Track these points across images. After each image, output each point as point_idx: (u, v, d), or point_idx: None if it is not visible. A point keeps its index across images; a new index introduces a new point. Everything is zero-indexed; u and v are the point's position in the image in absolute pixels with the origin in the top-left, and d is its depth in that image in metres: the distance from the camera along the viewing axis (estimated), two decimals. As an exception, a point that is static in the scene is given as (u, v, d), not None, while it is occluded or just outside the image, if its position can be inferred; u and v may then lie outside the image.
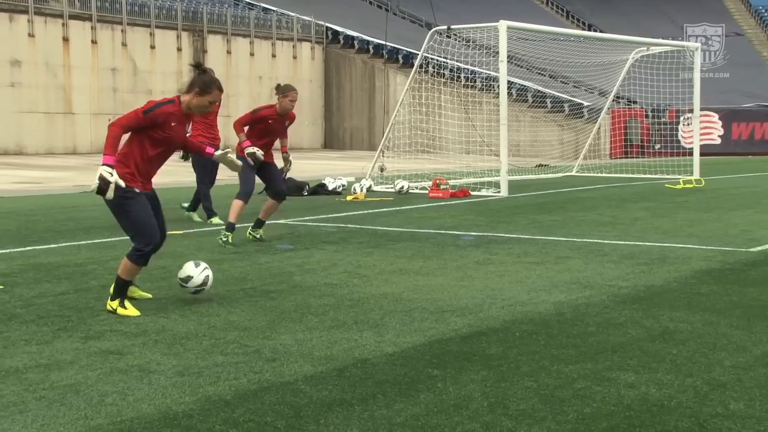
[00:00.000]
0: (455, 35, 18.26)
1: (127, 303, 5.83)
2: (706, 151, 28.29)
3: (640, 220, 11.44)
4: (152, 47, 34.30)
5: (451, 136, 23.33)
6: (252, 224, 9.60)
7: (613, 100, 26.95)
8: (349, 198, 15.05)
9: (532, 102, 34.49)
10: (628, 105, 34.96)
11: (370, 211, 13.03)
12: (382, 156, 18.88)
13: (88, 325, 5.50)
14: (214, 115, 10.98)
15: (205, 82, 6.01)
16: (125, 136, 5.83)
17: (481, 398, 4.00)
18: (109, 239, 9.55)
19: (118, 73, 33.36)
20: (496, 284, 6.87)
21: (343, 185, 16.62)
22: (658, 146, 33.72)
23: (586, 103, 32.96)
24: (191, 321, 5.64)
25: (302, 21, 39.30)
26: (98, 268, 7.70)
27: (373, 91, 38.53)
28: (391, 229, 10.69)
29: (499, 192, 15.95)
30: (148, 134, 5.82)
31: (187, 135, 9.99)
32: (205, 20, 35.79)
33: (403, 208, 13.59)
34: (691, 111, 23.37)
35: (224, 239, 9.16)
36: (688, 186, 17.45)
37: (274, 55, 38.01)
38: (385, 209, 13.31)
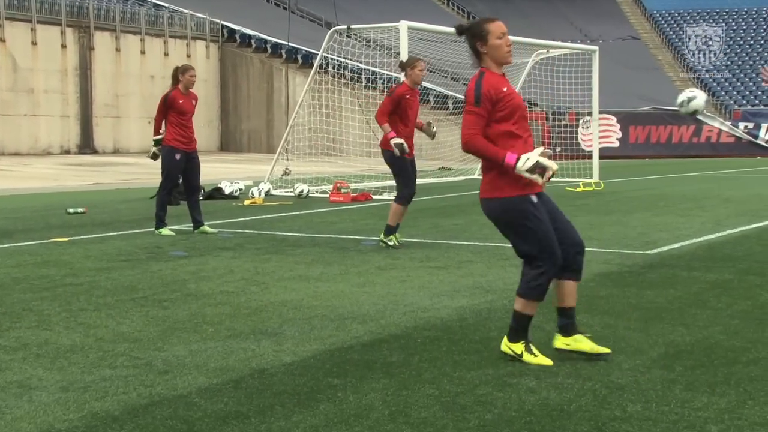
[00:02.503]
0: (356, 35, 18.32)
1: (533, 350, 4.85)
2: (604, 154, 29.16)
3: (541, 223, 11.69)
4: (34, 43, 33.23)
5: (352, 138, 23.39)
6: (383, 232, 9.31)
7: (514, 103, 27.51)
8: (246, 202, 14.90)
9: (434, 104, 34.91)
10: (529, 107, 35.74)
11: (268, 215, 12.93)
12: (286, 159, 18.78)
13: (-36, 340, 5.28)
14: (190, 116, 10.53)
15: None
16: None
17: (382, 407, 4.01)
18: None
19: (-4, 70, 32.21)
20: (398, 290, 6.91)
21: (241, 189, 16.45)
22: (558, 149, 34.53)
23: (488, 106, 33.55)
24: (77, 333, 5.47)
25: (196, 18, 38.76)
26: (-24, 278, 7.39)
27: (271, 92, 38.30)
28: (291, 234, 10.63)
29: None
30: None
31: (160, 136, 10.31)
32: (91, 15, 34.87)
33: (303, 212, 13.54)
34: (589, 114, 24.07)
35: (389, 243, 9.10)
36: (587, 189, 17.95)
37: (166, 54, 37.34)
38: (284, 214, 13.23)
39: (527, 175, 4.63)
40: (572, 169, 21.89)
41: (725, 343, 5.19)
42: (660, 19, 56.21)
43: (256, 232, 10.88)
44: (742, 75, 50.39)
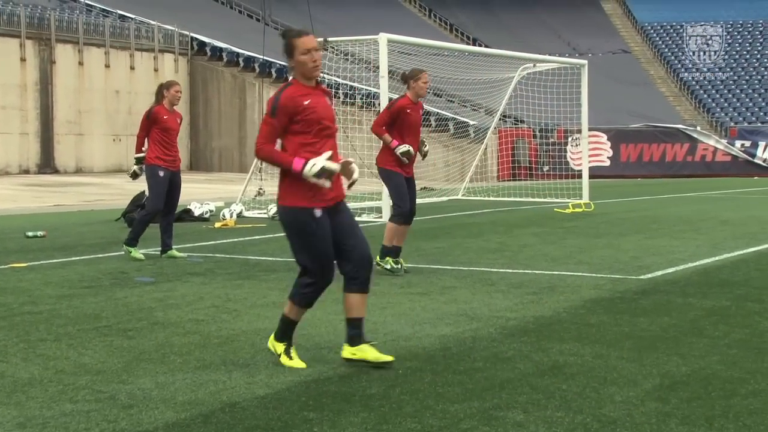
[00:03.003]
0: (333, 48, 18.39)
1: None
2: (595, 173, 29.33)
3: (529, 247, 11.74)
4: (-8, 56, 33.10)
5: (329, 156, 23.38)
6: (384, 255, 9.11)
7: (500, 119, 27.67)
8: (217, 225, 14.87)
9: (416, 120, 34.99)
10: (515, 124, 35.95)
11: (240, 238, 12.90)
12: (260, 179, 18.75)
13: None
14: (175, 134, 10.53)
15: None
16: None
17: (361, 443, 3.99)
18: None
19: (-50, 84, 32.04)
20: (378, 317, 6.90)
21: (211, 211, 16.41)
22: (546, 168, 34.78)
23: (472, 122, 33.70)
24: (35, 365, 5.42)
25: (164, 30, 38.75)
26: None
27: (244, 108, 38.29)
28: (264, 258, 10.61)
29: (380, 217, 16.07)
30: None
31: (142, 154, 10.28)
32: (53, 27, 34.75)
33: (277, 235, 13.51)
34: (579, 131, 24.22)
35: (384, 266, 8.95)
36: (577, 210, 18.04)
37: (132, 67, 37.27)
38: (257, 237, 13.20)
39: (315, 180, 4.99)
40: (561, 189, 22.01)
41: (723, 373, 5.22)
42: (652, 31, 56.78)
43: (227, 256, 10.84)
44: (738, 91, 50.91)
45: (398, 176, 9.08)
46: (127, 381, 5.05)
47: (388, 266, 9.06)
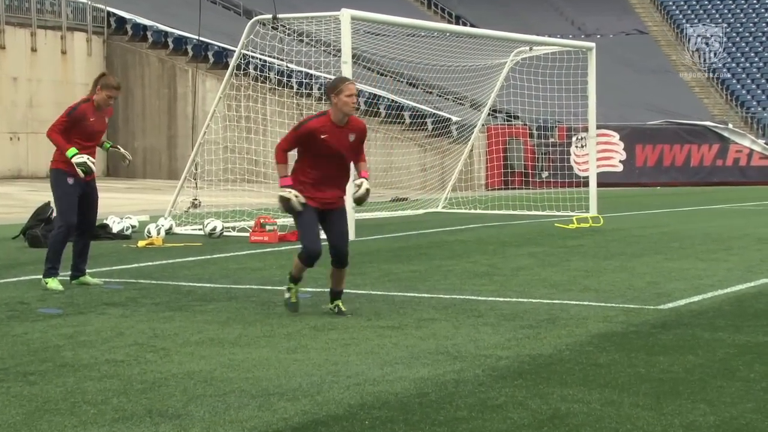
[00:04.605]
0: (284, 27, 18.42)
1: None
2: (604, 180, 29.53)
3: (524, 270, 11.79)
4: None
5: (279, 160, 23.36)
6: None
7: (489, 115, 27.79)
8: (141, 244, 14.80)
9: (386, 116, 35.10)
10: (507, 121, 36.11)
11: (170, 260, 12.86)
12: (194, 187, 18.70)
13: None
14: (99, 138, 10.32)
15: None
16: None
17: None
18: None
19: None
20: (340, 357, 6.90)
21: (133, 226, 16.33)
22: (545, 174, 34.96)
23: (454, 118, 33.84)
24: None
25: (74, 3, 38.58)
26: None
27: (174, 100, 38.20)
28: (200, 284, 10.58)
29: (342, 234, 16.07)
30: None
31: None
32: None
33: (215, 256, 13.49)
34: (585, 129, 24.38)
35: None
36: (583, 225, 18.14)
37: (34, 49, 37.05)
38: (191, 258, 13.17)
39: None
40: (563, 200, 22.13)
41: (759, 423, 5.27)
42: (674, 7, 57.23)
43: (153, 282, 10.79)
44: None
45: (307, 210, 8.50)
46: (28, 436, 5.03)
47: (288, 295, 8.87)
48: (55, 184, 10.31)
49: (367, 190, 8.73)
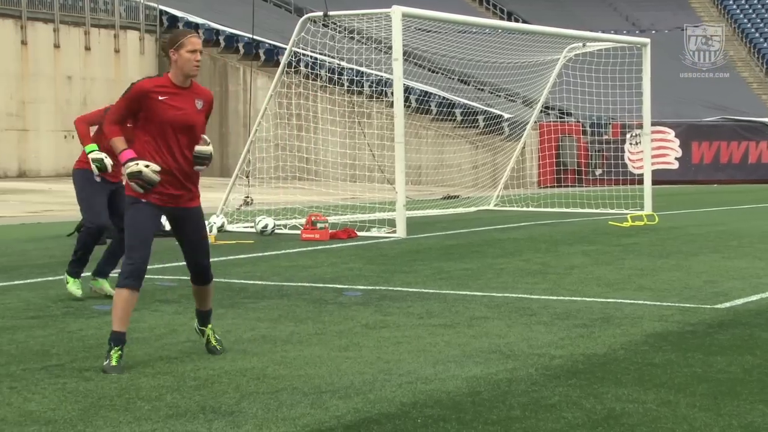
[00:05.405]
0: (334, 24, 18.47)
1: None
2: (659, 177, 29.31)
3: (577, 269, 11.74)
4: None
5: (331, 157, 23.46)
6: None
7: (541, 112, 27.68)
8: (193, 241, 14.89)
9: (437, 113, 35.07)
10: (560, 118, 35.96)
11: (222, 258, 12.94)
12: (246, 185, 18.81)
13: None
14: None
15: None
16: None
17: None
18: None
19: None
20: (392, 355, 6.91)
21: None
22: (599, 172, 34.77)
23: (506, 116, 33.72)
24: (-28, 412, 5.47)
25: (127, 2, 38.95)
26: None
27: (225, 98, 38.43)
28: (252, 282, 10.64)
29: (394, 232, 16.11)
30: None
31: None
32: (-19, -2, 34.93)
33: (266, 253, 13.55)
34: (640, 126, 24.21)
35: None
36: (637, 224, 18.02)
37: (88, 48, 37.45)
38: (243, 256, 13.24)
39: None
40: (617, 197, 22.00)
41: (818, 424, 5.22)
42: (731, 2, 56.66)
43: (205, 280, 10.87)
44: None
45: (139, 205, 6.79)
46: (83, 432, 5.08)
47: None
48: (82, 186, 10.17)
49: (210, 153, 6.93)
